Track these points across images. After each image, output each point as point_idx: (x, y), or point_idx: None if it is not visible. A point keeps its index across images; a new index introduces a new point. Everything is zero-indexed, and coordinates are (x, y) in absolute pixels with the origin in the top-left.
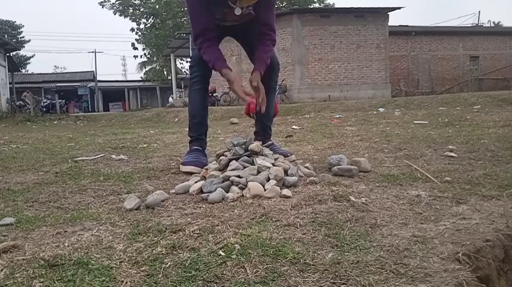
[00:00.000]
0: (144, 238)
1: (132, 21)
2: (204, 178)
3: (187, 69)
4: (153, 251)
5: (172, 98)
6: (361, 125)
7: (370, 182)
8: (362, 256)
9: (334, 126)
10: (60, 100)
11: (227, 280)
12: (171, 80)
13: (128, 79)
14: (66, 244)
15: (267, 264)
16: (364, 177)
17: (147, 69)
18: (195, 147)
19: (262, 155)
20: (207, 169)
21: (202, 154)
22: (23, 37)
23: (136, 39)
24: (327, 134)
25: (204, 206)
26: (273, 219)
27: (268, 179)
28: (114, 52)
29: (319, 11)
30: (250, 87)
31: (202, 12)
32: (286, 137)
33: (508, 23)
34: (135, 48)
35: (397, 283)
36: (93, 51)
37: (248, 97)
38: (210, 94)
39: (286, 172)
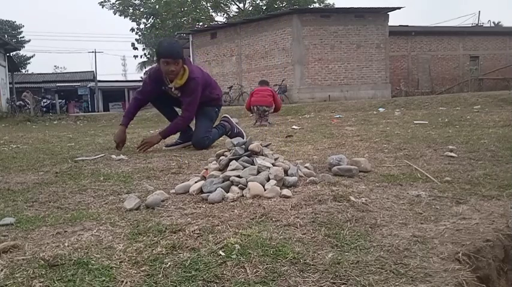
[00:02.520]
0: (144, 238)
1: (132, 21)
2: (204, 178)
3: None
4: (153, 251)
5: None
6: (361, 125)
7: (370, 182)
8: (362, 256)
9: (334, 127)
10: (60, 100)
11: (227, 280)
12: None
13: (128, 79)
14: (66, 244)
15: (267, 264)
16: (364, 177)
17: (147, 69)
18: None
19: (262, 155)
20: (207, 169)
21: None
22: (23, 37)
23: (136, 39)
24: (327, 134)
25: (204, 206)
26: (273, 219)
27: (268, 179)
28: (114, 52)
29: (319, 11)
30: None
31: (144, 88)
32: (286, 137)
33: (508, 23)
34: (135, 48)
35: (397, 283)
36: (93, 51)
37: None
38: None
39: (286, 172)
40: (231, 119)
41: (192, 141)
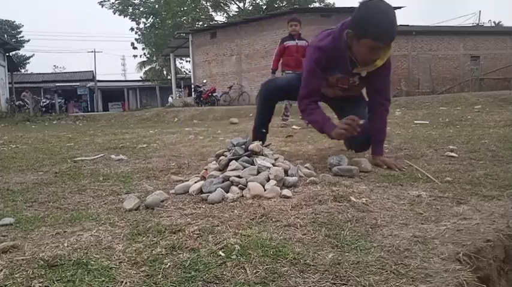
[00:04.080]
0: (144, 239)
1: (131, 20)
2: (203, 178)
3: (186, 69)
4: (153, 251)
5: (172, 97)
6: None
7: (371, 183)
8: (362, 256)
9: None
10: (59, 100)
11: (227, 281)
12: (171, 79)
13: (128, 79)
14: (65, 244)
15: (267, 264)
16: (365, 177)
17: (146, 69)
18: None
19: (262, 155)
20: (206, 169)
21: None
22: (23, 37)
23: (135, 39)
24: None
25: (203, 206)
26: (273, 219)
27: (268, 179)
28: (113, 52)
29: (320, 11)
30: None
31: (316, 74)
32: (286, 137)
33: (508, 22)
34: (135, 48)
35: (397, 284)
36: (92, 51)
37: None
38: (209, 94)
39: (286, 172)
40: None
41: (358, 145)
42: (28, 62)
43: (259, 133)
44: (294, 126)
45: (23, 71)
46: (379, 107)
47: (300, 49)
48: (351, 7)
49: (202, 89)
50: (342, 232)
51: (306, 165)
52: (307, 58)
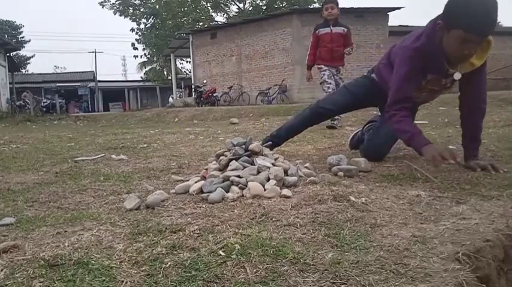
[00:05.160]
0: (144, 238)
1: (132, 21)
2: (204, 177)
3: (187, 70)
4: (153, 251)
5: (173, 98)
6: (362, 125)
7: (370, 182)
8: (362, 255)
9: None
10: (60, 100)
11: (227, 280)
12: (171, 80)
13: (128, 79)
14: (66, 244)
15: (267, 264)
16: (364, 177)
17: (147, 69)
18: None
19: (262, 155)
20: (207, 169)
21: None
22: (23, 37)
23: (136, 39)
24: (327, 134)
25: (204, 206)
26: (273, 219)
27: (268, 179)
28: (114, 52)
29: (320, 11)
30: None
31: (413, 78)
32: None
33: (508, 23)
34: (135, 48)
35: (397, 283)
36: (93, 51)
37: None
38: (210, 94)
39: (286, 172)
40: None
41: (367, 149)
42: (29, 63)
43: (279, 139)
44: None
45: (23, 71)
46: (477, 111)
47: (334, 38)
48: (350, 7)
49: (202, 89)
50: (342, 231)
51: (305, 165)
52: (402, 60)
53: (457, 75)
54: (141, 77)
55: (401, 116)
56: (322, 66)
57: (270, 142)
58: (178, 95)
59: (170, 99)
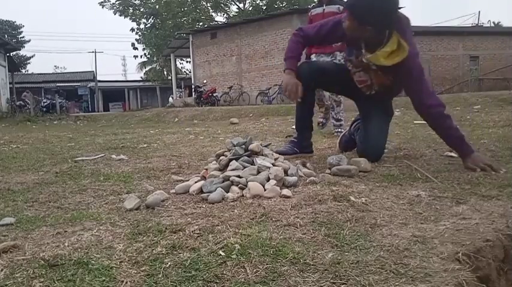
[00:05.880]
0: (144, 238)
1: (132, 21)
2: (204, 178)
3: (187, 70)
4: (153, 251)
5: (172, 98)
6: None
7: (370, 182)
8: (362, 256)
9: None
10: (60, 100)
11: (227, 280)
12: (171, 80)
13: (128, 79)
14: (66, 244)
15: (267, 264)
16: (364, 177)
17: (147, 69)
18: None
19: (262, 155)
20: (207, 169)
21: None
22: (23, 37)
23: (136, 39)
24: (326, 134)
25: (204, 206)
26: (273, 219)
27: (268, 179)
28: (114, 52)
29: None
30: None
31: (328, 30)
32: (286, 137)
33: (508, 23)
34: (135, 48)
35: (397, 283)
36: (93, 51)
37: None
38: (210, 94)
39: (286, 172)
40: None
41: (364, 152)
42: (29, 63)
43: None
44: (293, 126)
45: (23, 71)
46: (432, 110)
47: (327, 18)
48: None
49: (202, 89)
50: (342, 231)
51: (306, 165)
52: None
53: (366, 56)
54: (141, 77)
55: (292, 41)
56: (312, 56)
57: (296, 149)
58: (178, 95)
59: (170, 99)
